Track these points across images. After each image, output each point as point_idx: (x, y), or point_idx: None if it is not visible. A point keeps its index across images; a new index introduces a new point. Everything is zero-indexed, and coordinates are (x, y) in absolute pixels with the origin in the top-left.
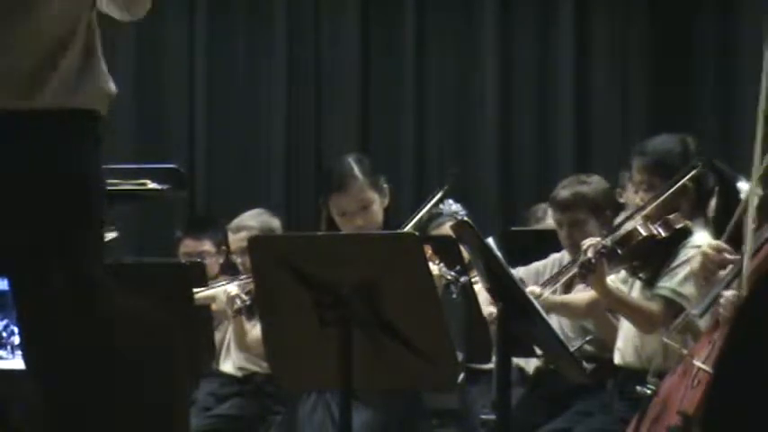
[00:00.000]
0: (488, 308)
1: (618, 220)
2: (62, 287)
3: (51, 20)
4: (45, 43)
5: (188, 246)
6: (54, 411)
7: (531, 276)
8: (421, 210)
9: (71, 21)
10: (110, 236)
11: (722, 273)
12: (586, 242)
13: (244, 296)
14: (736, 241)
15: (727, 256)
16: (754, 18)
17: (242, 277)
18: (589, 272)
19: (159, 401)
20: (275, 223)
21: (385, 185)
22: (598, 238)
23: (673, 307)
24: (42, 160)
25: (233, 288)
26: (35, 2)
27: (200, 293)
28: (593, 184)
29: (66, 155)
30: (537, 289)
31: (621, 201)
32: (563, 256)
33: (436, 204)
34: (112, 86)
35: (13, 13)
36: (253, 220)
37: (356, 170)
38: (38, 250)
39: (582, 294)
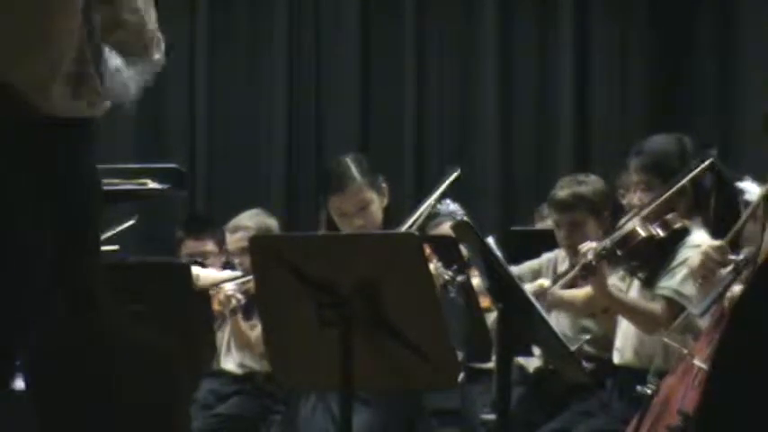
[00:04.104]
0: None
1: (621, 222)
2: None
3: (53, 30)
4: (47, 52)
5: (190, 246)
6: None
7: (526, 275)
8: (419, 209)
9: (69, 30)
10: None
11: (722, 272)
12: (585, 246)
13: (239, 295)
14: (734, 244)
15: (727, 256)
16: (755, 18)
17: (240, 273)
18: (590, 275)
19: (159, 418)
20: (272, 223)
21: (384, 185)
22: (596, 243)
23: (674, 307)
24: (37, 163)
25: (229, 288)
26: (38, 13)
27: (206, 278)
28: (591, 184)
29: (62, 157)
30: (546, 282)
31: (624, 202)
32: (557, 256)
33: (435, 203)
34: (107, 103)
35: (13, 27)
36: (250, 220)
37: (354, 170)
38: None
39: (579, 291)
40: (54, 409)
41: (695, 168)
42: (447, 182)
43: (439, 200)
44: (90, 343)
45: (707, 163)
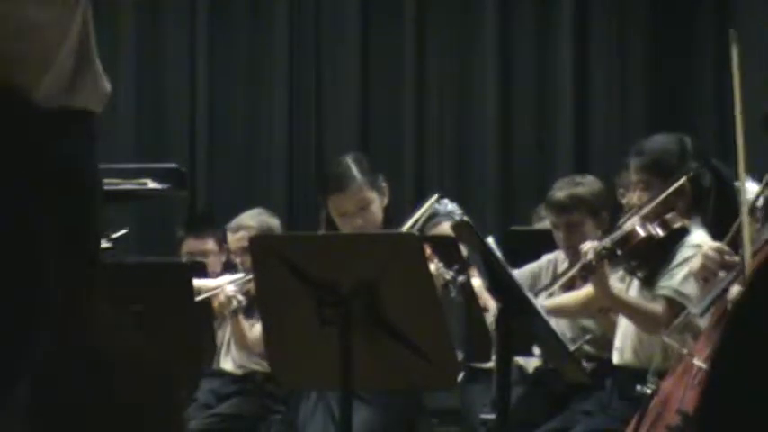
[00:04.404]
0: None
1: (618, 222)
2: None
3: (44, 20)
4: (38, 43)
5: (191, 245)
6: None
7: (526, 279)
8: (416, 213)
9: (64, 20)
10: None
11: (722, 273)
12: (586, 245)
13: (240, 296)
14: (734, 243)
15: (727, 257)
16: (754, 18)
17: (240, 275)
18: (590, 274)
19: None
20: (274, 222)
21: (384, 185)
22: (597, 242)
23: (674, 306)
24: (37, 163)
25: (230, 289)
26: (28, 2)
27: (203, 287)
28: (588, 184)
29: (62, 154)
30: (529, 295)
31: (624, 201)
32: (556, 257)
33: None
34: (107, 86)
35: (7, 14)
36: (252, 219)
37: (354, 170)
38: None
39: (576, 293)
40: (51, 417)
41: (692, 171)
42: (424, 207)
43: (425, 215)
44: (85, 348)
45: (682, 180)
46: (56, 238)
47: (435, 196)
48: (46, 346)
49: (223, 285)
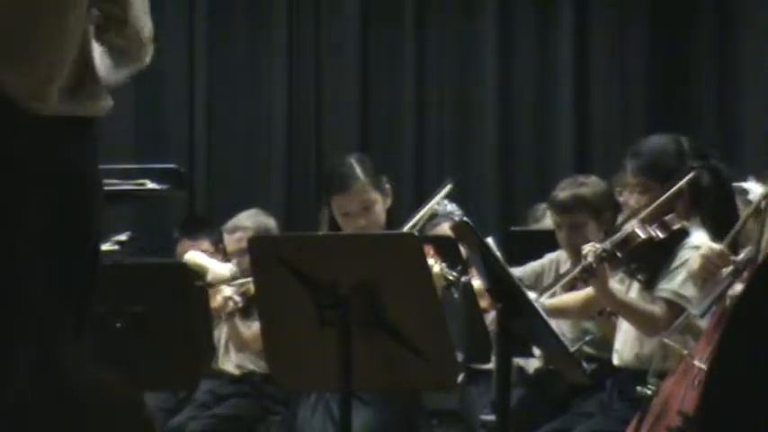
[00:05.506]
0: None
1: (617, 223)
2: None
3: (46, 25)
4: (43, 55)
5: (186, 246)
6: None
7: (529, 277)
8: (419, 212)
9: (69, 35)
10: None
11: (722, 272)
12: (586, 248)
13: (237, 298)
14: (734, 244)
15: (726, 259)
16: (754, 18)
17: (234, 267)
18: (591, 276)
19: None
20: (270, 223)
21: (387, 186)
22: (598, 244)
23: (674, 309)
24: (38, 163)
25: (227, 290)
26: (36, 17)
27: (208, 268)
28: (592, 185)
29: (64, 159)
30: (532, 296)
31: (621, 200)
32: (558, 256)
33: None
34: (109, 102)
35: (15, 27)
36: (248, 220)
37: (358, 170)
38: None
39: (576, 294)
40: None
41: (690, 173)
42: (441, 194)
43: (433, 207)
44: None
45: (690, 176)
46: (50, 239)
47: (450, 185)
48: (34, 346)
49: (223, 283)
